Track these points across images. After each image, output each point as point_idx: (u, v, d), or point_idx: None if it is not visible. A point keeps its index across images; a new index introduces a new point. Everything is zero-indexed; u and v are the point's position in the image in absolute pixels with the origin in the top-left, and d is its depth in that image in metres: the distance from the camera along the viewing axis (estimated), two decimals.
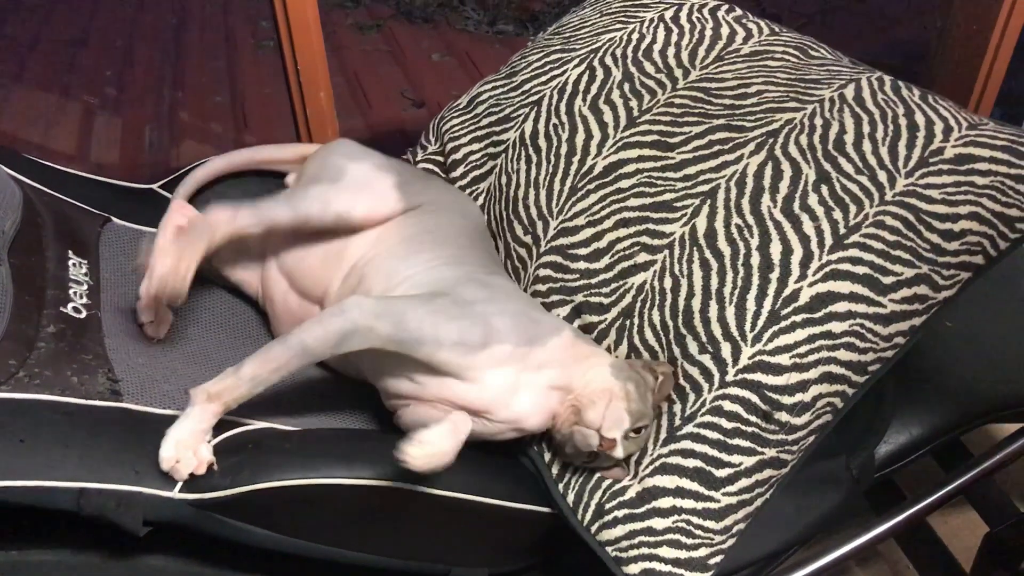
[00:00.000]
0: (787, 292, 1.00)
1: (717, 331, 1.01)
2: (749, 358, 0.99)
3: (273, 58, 3.22)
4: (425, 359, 0.98)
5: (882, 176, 1.06)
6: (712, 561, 0.99)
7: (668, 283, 1.06)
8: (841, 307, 1.00)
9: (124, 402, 0.98)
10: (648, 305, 1.07)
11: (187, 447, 0.92)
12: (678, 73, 1.23)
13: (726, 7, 1.34)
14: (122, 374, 1.01)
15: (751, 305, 1.01)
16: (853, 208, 1.03)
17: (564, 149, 1.21)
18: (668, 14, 1.31)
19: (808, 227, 1.03)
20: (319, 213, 1.13)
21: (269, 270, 1.20)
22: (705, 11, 1.32)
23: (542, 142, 1.24)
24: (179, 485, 0.93)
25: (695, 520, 0.98)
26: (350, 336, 0.96)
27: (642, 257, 1.09)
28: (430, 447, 0.90)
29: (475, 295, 1.05)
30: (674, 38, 1.28)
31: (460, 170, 1.35)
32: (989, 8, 1.86)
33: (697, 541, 0.98)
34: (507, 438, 1.06)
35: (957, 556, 1.48)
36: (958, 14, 1.94)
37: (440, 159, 1.40)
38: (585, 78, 1.26)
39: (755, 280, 1.01)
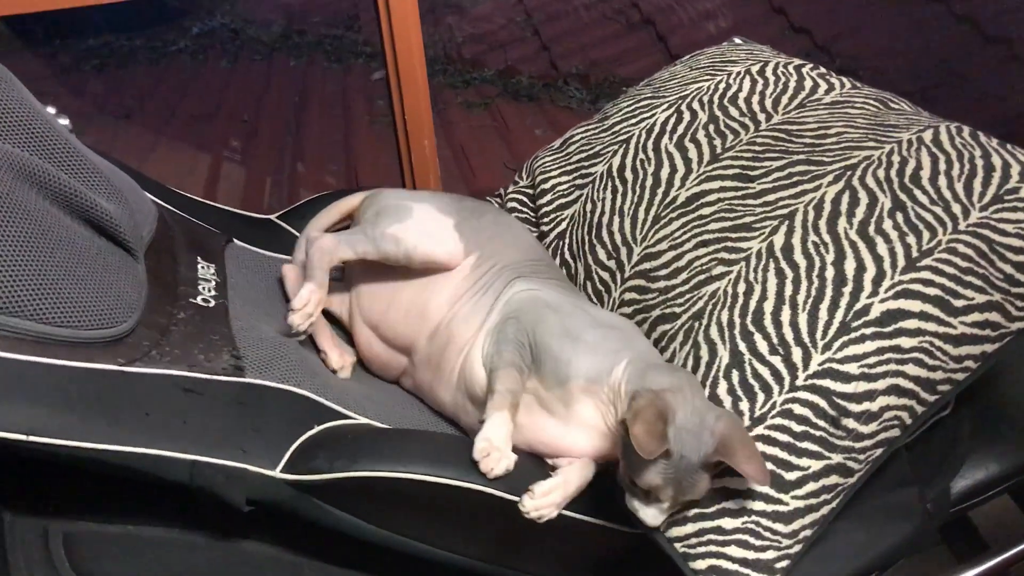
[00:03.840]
0: (859, 306, 1.05)
1: (789, 335, 1.06)
2: (819, 364, 1.03)
3: (387, 132, 3.42)
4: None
5: (956, 208, 1.10)
6: (779, 565, 1.01)
7: (742, 288, 1.11)
8: (911, 324, 1.04)
9: (247, 376, 1.08)
10: (719, 307, 1.12)
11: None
12: (761, 117, 1.31)
13: (811, 65, 1.42)
14: (246, 351, 1.11)
15: (823, 315, 1.05)
16: (927, 234, 1.08)
17: (649, 181, 1.29)
18: (755, 68, 1.40)
19: (882, 248, 1.07)
20: (393, 249, 1.23)
21: (355, 319, 1.30)
22: (790, 67, 1.40)
23: (628, 175, 1.32)
24: (281, 464, 1.02)
25: (764, 522, 1.01)
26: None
27: (718, 270, 1.14)
28: (542, 499, 1.04)
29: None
30: (759, 88, 1.35)
31: (547, 198, 1.43)
32: None
33: (765, 543, 1.01)
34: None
35: None
36: None
37: (529, 191, 1.49)
38: (672, 120, 1.34)
39: (828, 292, 1.06)
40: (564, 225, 1.39)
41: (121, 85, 4.21)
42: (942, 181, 1.13)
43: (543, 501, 1.04)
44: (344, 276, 1.35)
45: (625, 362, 1.08)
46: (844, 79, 1.39)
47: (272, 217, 1.51)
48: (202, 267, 1.22)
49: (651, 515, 1.01)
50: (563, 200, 1.41)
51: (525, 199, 1.50)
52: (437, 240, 1.24)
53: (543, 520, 1.04)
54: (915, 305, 1.04)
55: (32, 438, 0.87)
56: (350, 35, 4.55)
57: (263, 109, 3.82)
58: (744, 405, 1.05)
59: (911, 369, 1.04)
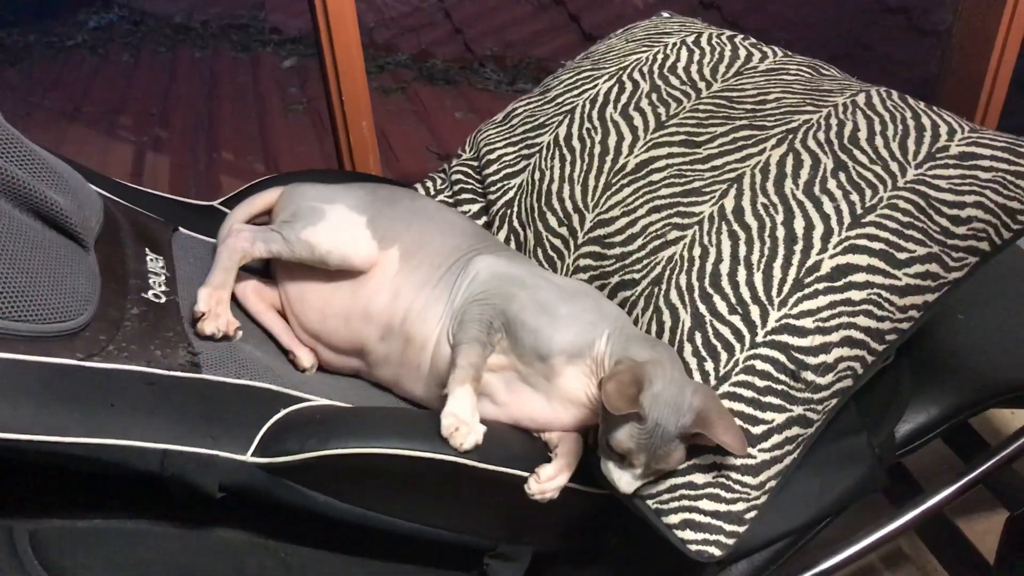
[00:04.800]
0: (810, 262, 1.09)
1: (746, 294, 1.09)
2: (776, 321, 1.07)
3: (302, 120, 3.37)
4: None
5: (894, 166, 1.15)
6: (748, 516, 1.05)
7: (697, 252, 1.14)
8: (860, 277, 1.08)
9: (203, 373, 1.06)
10: (676, 271, 1.15)
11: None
12: (701, 85, 1.34)
13: (741, 36, 1.46)
14: (200, 348, 1.09)
15: (777, 273, 1.09)
16: (869, 192, 1.13)
17: (598, 149, 1.31)
18: (689, 39, 1.43)
19: (828, 207, 1.12)
20: (308, 255, 1.20)
21: (296, 329, 1.27)
22: (723, 37, 1.44)
23: (576, 143, 1.34)
24: (252, 449, 1.01)
25: (734, 476, 1.05)
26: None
27: (673, 234, 1.17)
28: (548, 484, 1.08)
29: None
30: (696, 57, 1.39)
31: (493, 168, 1.44)
32: (983, 49, 2.00)
33: (735, 496, 1.04)
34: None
35: (987, 557, 1.52)
36: (955, 55, 2.07)
37: (474, 163, 1.49)
38: (615, 90, 1.37)
39: (780, 250, 1.10)
40: (512, 193, 1.40)
41: (17, 82, 4.05)
42: (879, 141, 1.18)
43: (549, 485, 1.07)
44: (276, 283, 1.31)
45: (606, 334, 1.10)
46: (775, 48, 1.44)
47: (215, 204, 1.48)
48: (151, 260, 1.19)
49: (625, 481, 1.03)
50: (510, 169, 1.42)
51: (470, 171, 1.50)
52: (350, 242, 1.21)
53: (546, 501, 1.07)
54: (862, 259, 1.09)
55: None
56: (255, 23, 4.47)
57: (173, 103, 3.73)
58: (709, 365, 1.08)
59: (862, 320, 1.08)
